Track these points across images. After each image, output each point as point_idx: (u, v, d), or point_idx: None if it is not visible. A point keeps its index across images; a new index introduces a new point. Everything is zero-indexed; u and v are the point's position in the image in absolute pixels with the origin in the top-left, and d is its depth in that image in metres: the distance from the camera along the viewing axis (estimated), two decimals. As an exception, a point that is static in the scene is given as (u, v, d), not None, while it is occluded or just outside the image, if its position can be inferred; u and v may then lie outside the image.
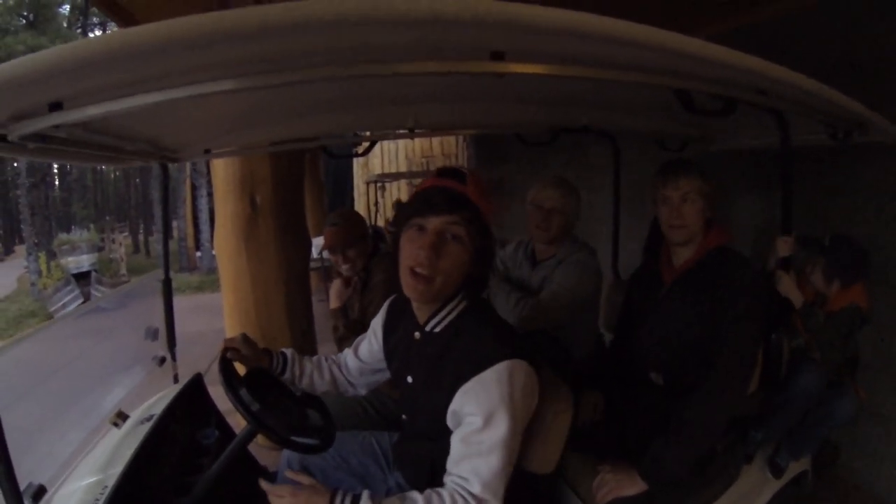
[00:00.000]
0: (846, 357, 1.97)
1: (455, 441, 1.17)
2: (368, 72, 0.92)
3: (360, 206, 10.85)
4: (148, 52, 0.79)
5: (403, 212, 1.27)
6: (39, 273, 12.28)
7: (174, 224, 16.09)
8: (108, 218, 21.54)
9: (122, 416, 1.65)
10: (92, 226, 17.93)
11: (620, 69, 1.11)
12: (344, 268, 2.33)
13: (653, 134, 2.53)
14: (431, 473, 1.33)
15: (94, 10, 18.56)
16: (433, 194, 1.22)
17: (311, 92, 1.46)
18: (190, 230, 14.40)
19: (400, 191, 10.90)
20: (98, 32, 21.23)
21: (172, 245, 14.54)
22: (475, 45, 0.90)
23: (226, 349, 1.50)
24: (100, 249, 14.54)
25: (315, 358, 1.65)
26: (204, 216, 13.57)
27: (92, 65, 0.84)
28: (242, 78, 0.90)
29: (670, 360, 1.64)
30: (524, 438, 1.27)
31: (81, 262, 12.56)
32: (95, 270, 12.25)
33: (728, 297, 1.50)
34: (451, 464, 1.16)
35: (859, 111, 1.57)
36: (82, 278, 11.49)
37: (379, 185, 8.84)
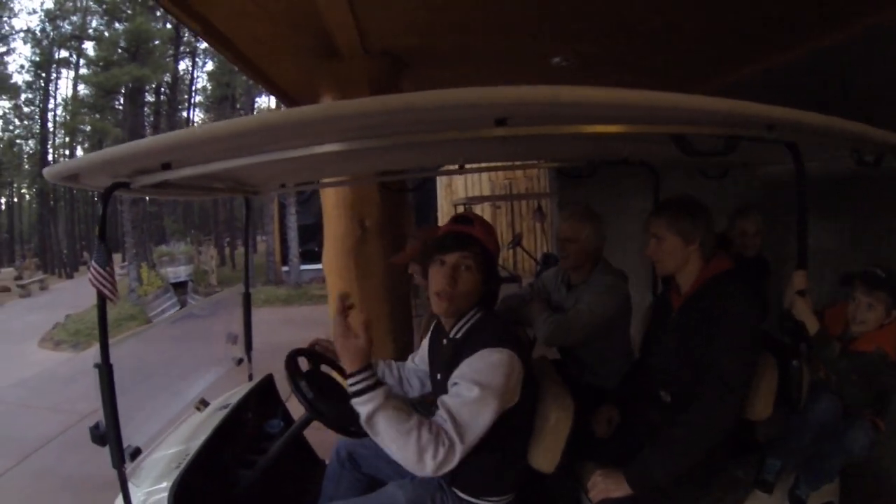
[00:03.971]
0: (871, 393, 1.88)
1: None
2: (407, 140, 1.26)
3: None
4: (227, 137, 1.13)
5: (428, 250, 1.61)
6: (140, 281, 13.50)
7: (263, 239, 17.15)
8: (193, 232, 23.19)
9: (203, 403, 2.02)
10: (188, 238, 19.46)
11: (613, 124, 1.30)
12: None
13: (692, 163, 2.59)
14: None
15: (186, 38, 20.62)
16: (448, 236, 1.56)
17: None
18: (277, 246, 15.27)
19: (483, 213, 11.07)
20: (188, 62, 23.50)
21: (261, 259, 15.53)
22: (482, 116, 1.15)
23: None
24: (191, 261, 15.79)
25: (387, 360, 2.00)
26: (292, 233, 14.28)
27: (193, 143, 1.19)
28: (311, 147, 1.23)
29: (675, 380, 1.76)
30: (531, 437, 1.55)
31: (179, 272, 13.69)
32: (191, 280, 13.38)
33: (718, 325, 1.62)
34: (439, 402, 1.41)
35: (885, 139, 1.60)
36: (179, 287, 12.60)
37: (466, 207, 9.15)
